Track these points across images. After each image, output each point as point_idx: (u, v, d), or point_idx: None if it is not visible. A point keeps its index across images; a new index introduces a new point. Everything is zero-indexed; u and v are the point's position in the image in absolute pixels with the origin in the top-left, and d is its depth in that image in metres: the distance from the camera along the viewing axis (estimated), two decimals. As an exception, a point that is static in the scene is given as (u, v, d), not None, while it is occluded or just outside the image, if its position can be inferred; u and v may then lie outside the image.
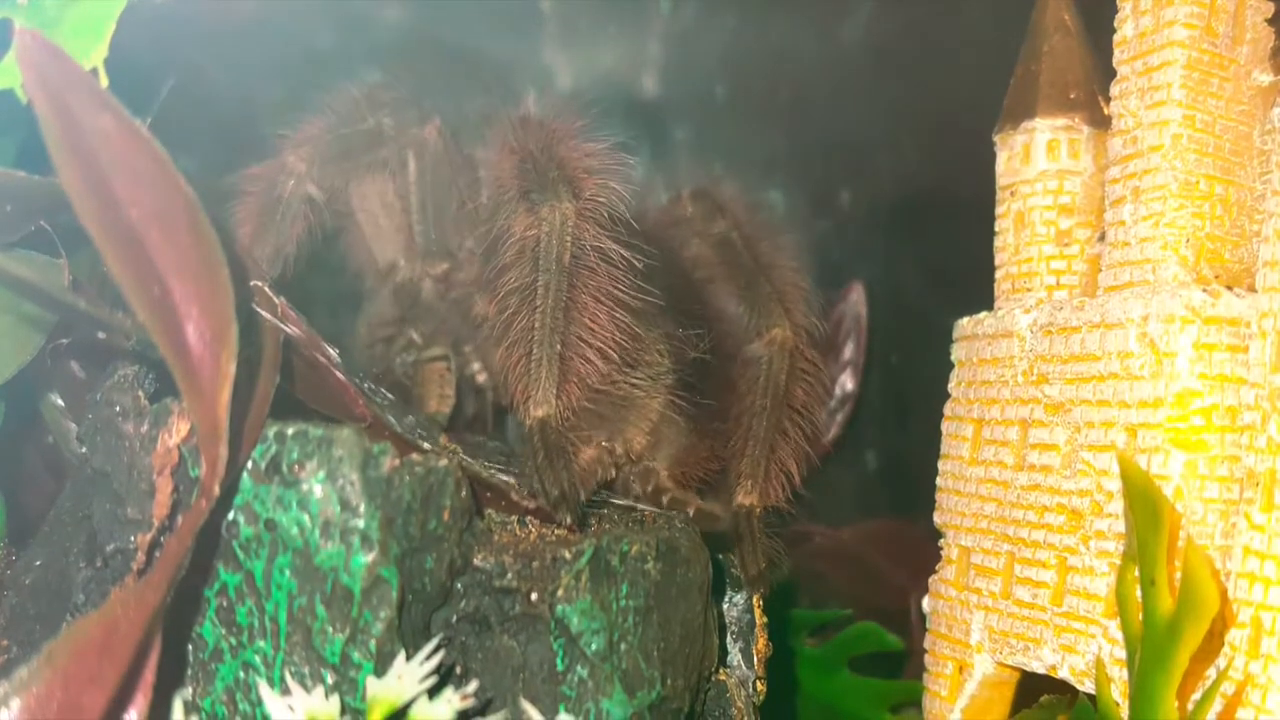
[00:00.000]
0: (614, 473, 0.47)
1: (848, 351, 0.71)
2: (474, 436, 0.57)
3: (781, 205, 0.77)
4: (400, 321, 0.57)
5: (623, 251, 0.43)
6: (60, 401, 0.45)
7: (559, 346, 0.41)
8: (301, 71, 0.61)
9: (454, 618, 0.36)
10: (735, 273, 0.52)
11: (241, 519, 0.34)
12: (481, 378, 0.58)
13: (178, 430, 0.34)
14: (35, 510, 0.44)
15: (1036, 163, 0.49)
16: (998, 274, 0.51)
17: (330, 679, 0.33)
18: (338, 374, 0.41)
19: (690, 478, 0.49)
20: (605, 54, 0.75)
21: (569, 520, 0.38)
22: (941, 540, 0.50)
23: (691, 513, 0.47)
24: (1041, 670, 0.44)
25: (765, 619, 0.46)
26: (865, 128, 0.73)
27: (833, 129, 0.75)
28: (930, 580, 0.50)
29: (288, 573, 0.33)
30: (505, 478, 0.40)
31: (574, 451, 0.44)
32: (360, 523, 0.33)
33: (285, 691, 0.32)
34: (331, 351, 0.41)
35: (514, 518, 0.39)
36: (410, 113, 0.53)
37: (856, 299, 0.72)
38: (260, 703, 0.33)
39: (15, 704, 0.27)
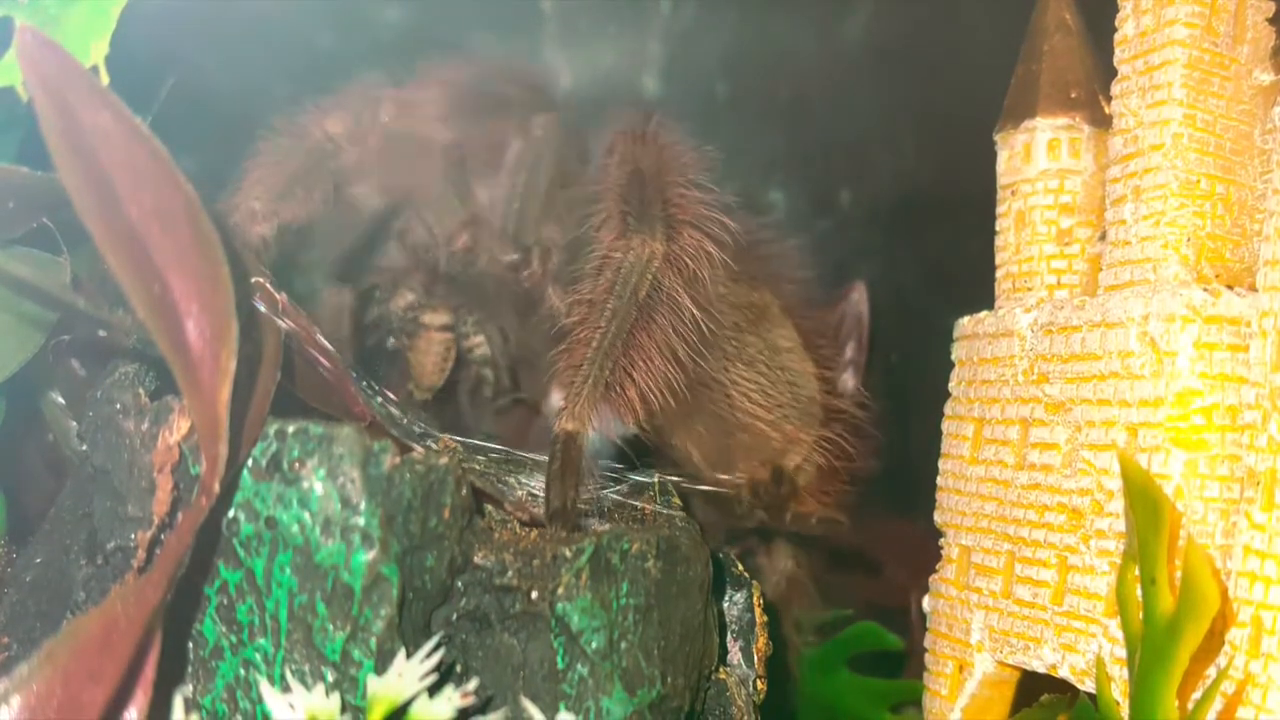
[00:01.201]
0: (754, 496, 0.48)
1: (849, 351, 0.71)
2: (473, 438, 0.57)
3: (781, 205, 0.77)
4: (404, 271, 0.56)
5: (694, 310, 0.43)
6: (61, 399, 0.45)
7: (607, 373, 0.41)
8: (302, 71, 0.61)
9: (454, 616, 0.36)
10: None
11: (242, 516, 0.34)
12: (480, 350, 0.57)
13: (178, 428, 0.34)
14: (35, 508, 0.44)
15: (1037, 162, 0.49)
16: (998, 273, 0.51)
17: (331, 677, 0.33)
18: (337, 371, 0.41)
19: (817, 500, 0.50)
20: (606, 54, 0.75)
21: (559, 534, 0.38)
22: (942, 539, 0.50)
23: (815, 520, 0.47)
24: (1042, 669, 0.44)
25: (765, 618, 0.46)
26: (865, 128, 0.73)
27: (833, 129, 0.75)
28: (930, 579, 0.50)
29: (288, 570, 0.33)
30: (511, 480, 0.41)
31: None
32: (361, 520, 0.33)
33: (286, 689, 0.32)
34: (331, 348, 0.41)
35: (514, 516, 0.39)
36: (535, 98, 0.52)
37: (858, 299, 0.72)
38: (261, 700, 0.33)
39: (16, 701, 0.27)
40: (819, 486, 0.51)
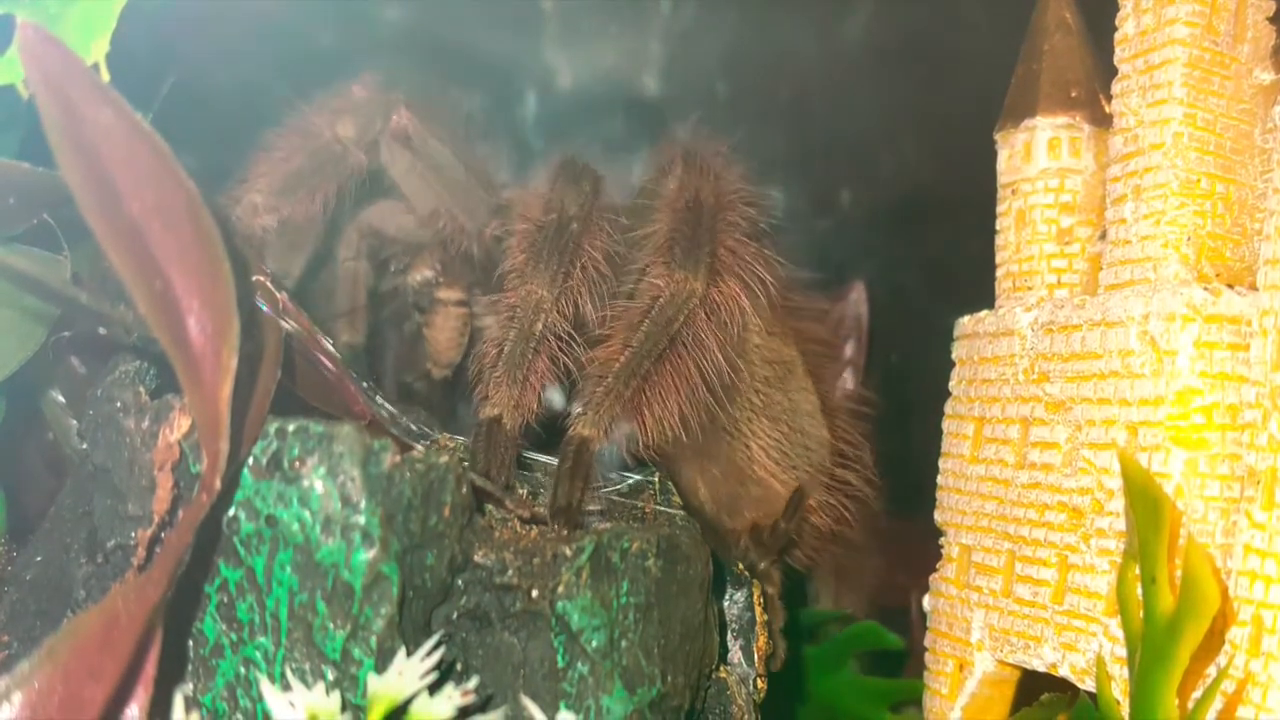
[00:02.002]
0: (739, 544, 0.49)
1: (848, 351, 0.71)
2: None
3: (781, 205, 0.76)
4: (417, 249, 0.56)
5: (719, 356, 0.43)
6: (61, 398, 0.45)
7: (629, 392, 0.42)
8: (303, 69, 0.61)
9: (455, 614, 0.36)
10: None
11: (242, 515, 0.34)
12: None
13: (179, 426, 0.34)
14: (36, 507, 0.44)
15: (1038, 161, 0.49)
16: (999, 272, 0.51)
17: (331, 675, 0.33)
18: (337, 371, 0.41)
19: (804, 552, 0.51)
20: (606, 53, 0.75)
21: (561, 532, 0.39)
22: (942, 539, 0.50)
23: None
24: (1042, 668, 0.44)
25: (766, 616, 0.46)
26: (865, 127, 0.73)
27: (833, 129, 0.75)
28: (931, 579, 0.50)
29: (289, 569, 0.33)
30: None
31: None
32: (361, 519, 0.33)
33: (286, 688, 0.32)
34: (331, 347, 0.41)
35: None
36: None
37: (857, 298, 0.72)
38: (261, 699, 0.33)
39: (16, 698, 0.27)
40: (810, 541, 0.52)
